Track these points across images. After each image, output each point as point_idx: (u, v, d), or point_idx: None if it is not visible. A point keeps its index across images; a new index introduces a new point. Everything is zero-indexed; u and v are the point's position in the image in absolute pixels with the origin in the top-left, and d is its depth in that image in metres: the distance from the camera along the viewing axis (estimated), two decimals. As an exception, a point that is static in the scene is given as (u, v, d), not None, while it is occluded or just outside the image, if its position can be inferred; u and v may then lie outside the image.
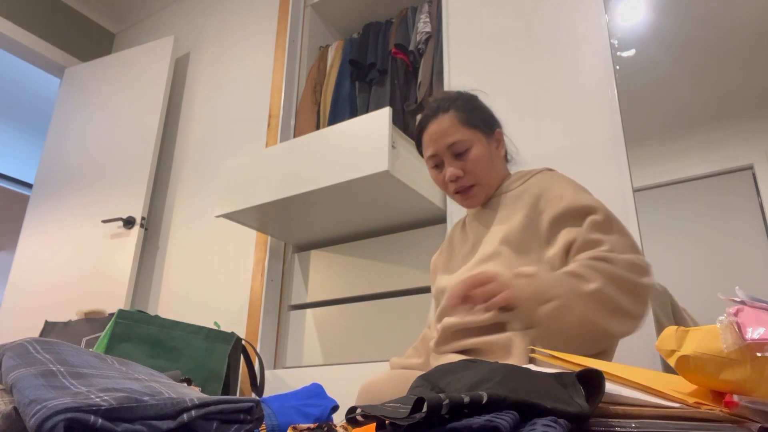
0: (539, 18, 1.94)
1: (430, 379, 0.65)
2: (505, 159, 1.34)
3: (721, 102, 1.70)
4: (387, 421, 0.54)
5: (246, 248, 2.42)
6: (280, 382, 2.03)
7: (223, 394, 1.75)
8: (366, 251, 2.14)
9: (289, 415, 1.12)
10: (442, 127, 1.22)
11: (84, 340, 1.91)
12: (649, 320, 1.45)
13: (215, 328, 1.82)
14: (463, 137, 1.21)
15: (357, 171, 1.77)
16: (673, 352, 0.58)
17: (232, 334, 1.83)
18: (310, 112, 2.50)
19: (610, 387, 0.56)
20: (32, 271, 2.81)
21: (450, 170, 1.22)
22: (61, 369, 0.69)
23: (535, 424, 0.48)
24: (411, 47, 2.34)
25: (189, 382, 1.24)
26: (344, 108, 2.43)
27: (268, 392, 1.99)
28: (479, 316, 1.02)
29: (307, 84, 2.59)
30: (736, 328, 0.54)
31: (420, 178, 1.87)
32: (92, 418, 0.56)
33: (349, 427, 0.61)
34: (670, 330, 0.60)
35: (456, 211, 1.86)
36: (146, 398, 0.61)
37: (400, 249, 2.06)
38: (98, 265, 2.65)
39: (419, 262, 1.99)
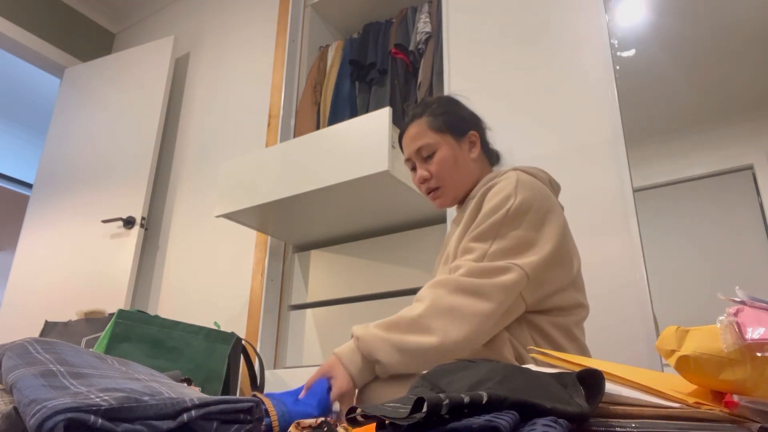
0: (539, 18, 1.94)
1: (430, 379, 0.65)
2: (489, 160, 1.35)
3: (721, 102, 1.70)
4: (387, 421, 0.54)
5: (246, 248, 2.42)
6: (280, 382, 2.03)
7: (223, 394, 1.75)
8: (366, 251, 2.14)
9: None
10: (413, 132, 1.30)
11: (84, 340, 1.91)
12: (649, 321, 1.45)
13: (215, 328, 1.82)
14: (429, 141, 1.27)
15: (357, 171, 1.77)
16: (673, 352, 0.58)
17: (232, 334, 1.83)
18: (310, 112, 2.50)
19: (610, 387, 0.56)
20: (32, 271, 2.81)
21: (419, 173, 1.30)
22: (61, 369, 0.69)
23: (535, 424, 0.48)
24: (411, 47, 2.34)
25: (189, 382, 1.24)
26: (344, 108, 2.43)
27: (268, 392, 1.99)
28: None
29: (307, 84, 2.59)
30: (736, 328, 0.54)
31: (420, 178, 1.87)
32: (92, 418, 0.56)
33: (349, 427, 0.61)
34: (670, 330, 0.60)
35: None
36: (146, 398, 0.61)
37: (400, 249, 2.06)
38: (98, 265, 2.65)
39: (419, 262, 1.99)
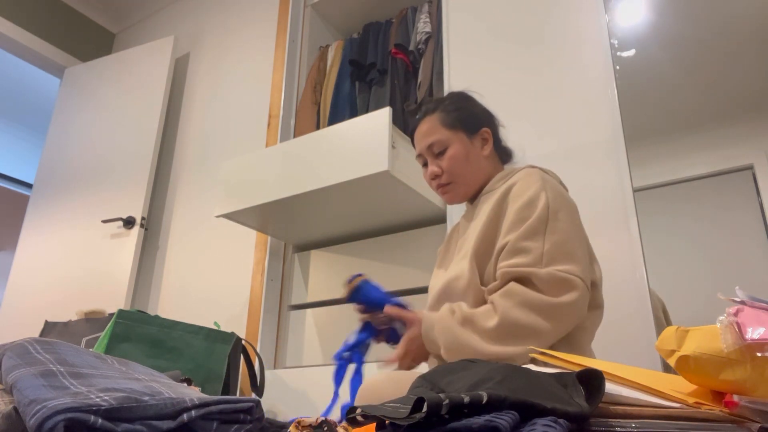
0: (539, 18, 1.94)
1: (430, 379, 0.65)
2: (503, 157, 1.35)
3: (721, 102, 1.70)
4: (387, 421, 0.54)
5: (246, 248, 2.42)
6: (280, 382, 2.03)
7: (223, 394, 1.75)
8: (366, 251, 2.14)
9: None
10: (425, 128, 1.30)
11: (84, 340, 1.91)
12: (649, 320, 1.45)
13: (215, 328, 1.82)
14: (441, 137, 1.27)
15: (357, 171, 1.77)
16: (673, 352, 0.58)
17: (232, 334, 1.83)
18: (310, 112, 2.50)
19: (610, 387, 0.56)
20: (32, 271, 2.81)
21: (430, 168, 1.29)
22: (61, 369, 0.69)
23: (535, 424, 0.48)
24: (411, 47, 2.34)
25: (189, 382, 1.24)
26: (344, 108, 2.43)
27: (268, 392, 1.99)
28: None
29: (307, 84, 2.59)
30: (736, 328, 0.54)
31: (420, 178, 1.87)
32: (92, 418, 0.56)
33: (349, 427, 0.61)
34: (670, 330, 0.60)
35: (456, 211, 1.86)
36: (146, 398, 0.61)
37: (400, 249, 2.06)
38: (98, 265, 2.65)
39: (419, 262, 1.99)
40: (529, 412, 0.50)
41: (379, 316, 1.21)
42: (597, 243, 1.41)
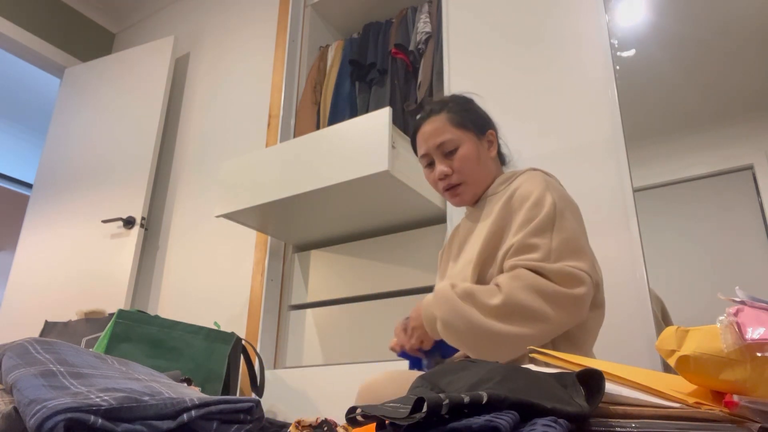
0: (539, 18, 1.94)
1: (430, 379, 0.65)
2: (501, 161, 1.36)
3: (721, 102, 1.70)
4: (387, 421, 0.54)
5: (246, 248, 2.42)
6: (280, 382, 2.03)
7: (223, 394, 1.75)
8: (366, 251, 2.14)
9: None
10: (433, 128, 1.28)
11: (84, 340, 1.91)
12: (649, 320, 1.45)
13: (215, 328, 1.82)
14: (452, 137, 1.25)
15: (357, 171, 1.77)
16: (673, 352, 0.58)
17: (232, 334, 1.83)
18: (310, 112, 2.50)
19: (610, 387, 0.56)
20: (32, 271, 2.81)
21: (439, 168, 1.26)
22: (61, 369, 0.69)
23: (535, 424, 0.48)
24: (411, 47, 2.34)
25: (189, 382, 1.24)
26: (344, 108, 2.43)
27: (268, 392, 1.99)
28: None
29: (307, 84, 2.59)
30: (736, 328, 0.54)
31: (420, 178, 1.87)
32: (92, 418, 0.56)
33: (349, 427, 0.61)
34: (670, 330, 0.60)
35: (456, 211, 1.86)
36: (146, 398, 0.61)
37: (400, 249, 2.06)
38: (98, 265, 2.65)
39: (419, 262, 1.99)
40: (529, 412, 0.50)
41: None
42: (597, 243, 1.42)
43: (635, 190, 1.58)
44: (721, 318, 0.56)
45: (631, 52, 1.81)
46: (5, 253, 5.40)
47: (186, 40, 3.17)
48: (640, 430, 0.52)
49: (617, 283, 1.49)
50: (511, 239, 1.11)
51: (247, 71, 2.80)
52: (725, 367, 0.54)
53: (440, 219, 1.99)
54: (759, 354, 0.53)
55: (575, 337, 1.10)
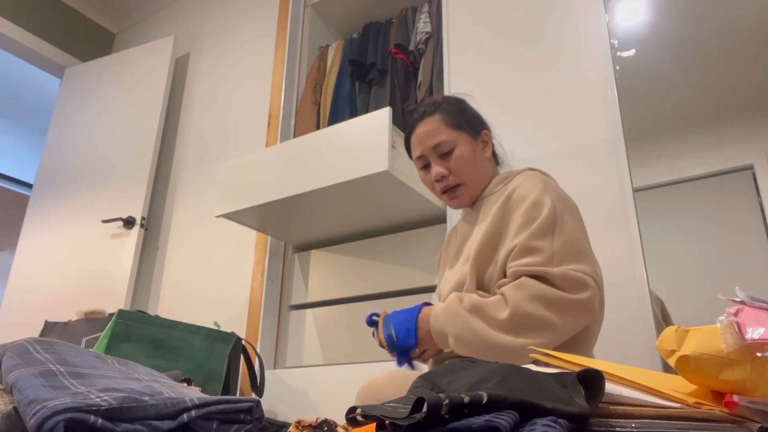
0: (539, 18, 1.94)
1: (430, 379, 0.65)
2: (495, 161, 1.35)
3: (721, 102, 1.70)
4: (387, 421, 0.54)
5: (246, 248, 2.42)
6: (280, 382, 2.03)
7: (223, 394, 1.75)
8: (366, 251, 2.14)
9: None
10: (428, 129, 1.26)
11: (84, 340, 1.91)
12: (649, 320, 1.45)
13: (215, 328, 1.82)
14: (448, 137, 1.24)
15: (357, 171, 1.77)
16: (673, 352, 0.58)
17: (232, 334, 1.83)
18: (310, 112, 2.50)
19: (610, 387, 0.56)
20: (32, 271, 2.81)
21: (436, 170, 1.24)
22: (61, 369, 0.69)
23: (535, 424, 0.48)
24: (411, 47, 2.34)
25: (189, 382, 1.24)
26: (344, 108, 2.43)
27: (268, 392, 1.99)
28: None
29: (307, 84, 2.59)
30: (736, 328, 0.54)
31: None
32: (92, 418, 0.56)
33: (349, 427, 0.61)
34: (670, 330, 0.60)
35: (455, 212, 1.86)
36: (146, 398, 0.61)
37: (400, 249, 2.06)
38: (98, 265, 2.65)
39: (419, 262, 1.99)
40: (529, 412, 0.50)
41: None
42: (597, 243, 1.42)
43: (635, 190, 1.58)
44: (721, 318, 0.56)
45: (631, 52, 1.81)
46: (5, 253, 5.40)
47: (186, 40, 3.17)
48: (640, 430, 0.52)
49: (617, 283, 1.49)
50: (512, 241, 1.10)
51: (247, 71, 2.80)
52: (725, 367, 0.54)
53: (440, 219, 1.99)
54: (759, 354, 0.53)
55: (576, 338, 1.09)
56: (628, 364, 0.72)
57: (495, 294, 1.08)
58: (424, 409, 0.50)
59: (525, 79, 1.90)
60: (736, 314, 0.56)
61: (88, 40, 3.45)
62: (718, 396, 0.56)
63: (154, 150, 2.79)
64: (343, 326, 2.09)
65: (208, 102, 2.92)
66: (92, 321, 2.00)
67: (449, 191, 1.26)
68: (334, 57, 2.59)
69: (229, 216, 2.09)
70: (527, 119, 1.84)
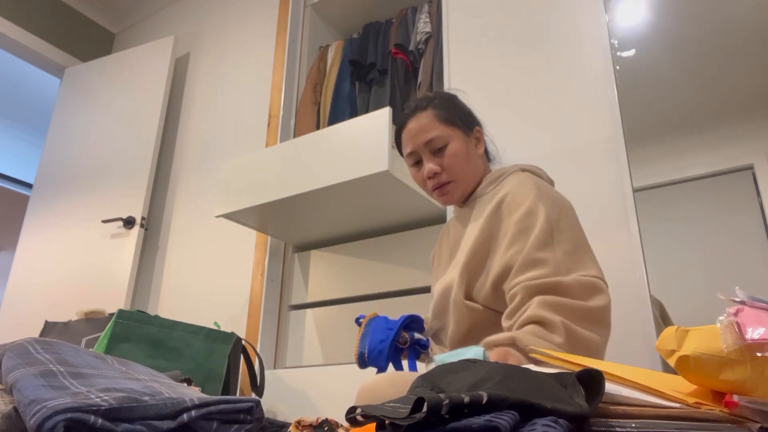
0: (539, 18, 1.94)
1: (430, 379, 0.65)
2: (487, 158, 1.33)
3: (721, 102, 1.70)
4: (387, 421, 0.54)
5: (246, 248, 2.42)
6: (280, 382, 2.03)
7: (223, 394, 1.75)
8: (366, 251, 2.14)
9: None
10: (420, 124, 1.23)
11: (84, 340, 1.91)
12: (649, 321, 1.45)
13: (215, 328, 1.82)
14: (441, 133, 1.21)
15: (357, 171, 1.77)
16: (673, 352, 0.58)
17: (232, 334, 1.83)
18: (310, 112, 2.50)
19: (610, 387, 0.56)
20: (32, 271, 2.81)
21: (428, 166, 1.22)
22: (61, 369, 0.69)
23: (535, 424, 0.48)
24: (411, 47, 2.34)
25: (189, 382, 1.24)
26: (344, 108, 2.43)
27: (268, 392, 1.99)
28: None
29: (307, 84, 2.59)
30: (736, 328, 0.54)
31: (420, 178, 1.87)
32: (92, 418, 0.56)
33: (350, 427, 0.61)
34: (670, 330, 0.60)
35: (456, 211, 1.86)
36: (146, 398, 0.61)
37: (400, 249, 2.06)
38: (98, 265, 2.65)
39: (419, 262, 1.99)
40: (529, 412, 0.50)
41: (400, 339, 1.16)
42: (597, 243, 1.42)
43: (635, 190, 1.58)
44: (721, 318, 0.56)
45: (631, 52, 1.81)
46: (5, 253, 5.40)
47: (186, 40, 3.17)
48: (640, 430, 0.52)
49: (617, 284, 1.48)
50: (505, 252, 1.07)
51: (247, 71, 2.80)
52: (725, 367, 0.54)
53: (440, 219, 1.99)
54: (759, 354, 0.52)
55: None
56: (628, 364, 0.72)
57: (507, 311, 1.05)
58: (424, 409, 0.50)
59: (525, 79, 1.90)
60: (736, 314, 0.56)
61: (88, 40, 3.45)
62: (718, 396, 0.56)
63: (154, 150, 2.78)
64: (343, 326, 2.09)
65: (208, 102, 2.92)
66: (92, 321, 2.00)
67: (440, 188, 1.23)
68: (334, 57, 2.59)
69: (229, 216, 2.09)
70: (527, 119, 1.84)
